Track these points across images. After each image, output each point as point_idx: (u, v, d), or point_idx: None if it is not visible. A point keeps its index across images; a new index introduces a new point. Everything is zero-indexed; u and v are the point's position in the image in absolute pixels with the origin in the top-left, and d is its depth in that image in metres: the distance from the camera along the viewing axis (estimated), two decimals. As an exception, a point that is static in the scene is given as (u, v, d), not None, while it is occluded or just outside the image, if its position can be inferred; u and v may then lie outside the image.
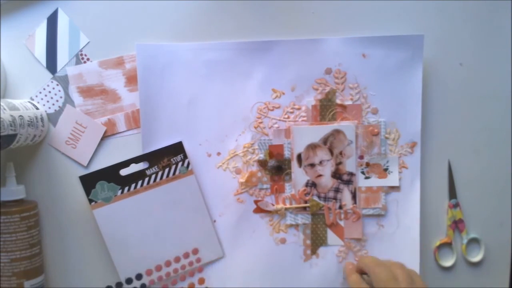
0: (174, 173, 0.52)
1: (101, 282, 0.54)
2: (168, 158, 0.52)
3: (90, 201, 0.52)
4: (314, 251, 0.54)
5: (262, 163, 0.53)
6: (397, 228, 0.54)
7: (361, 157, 0.53)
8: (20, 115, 0.48)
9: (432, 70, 0.53)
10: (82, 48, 0.53)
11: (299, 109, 0.53)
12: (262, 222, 0.54)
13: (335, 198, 0.54)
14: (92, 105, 0.53)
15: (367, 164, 0.53)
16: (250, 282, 0.54)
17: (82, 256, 0.54)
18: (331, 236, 0.54)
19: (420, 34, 0.51)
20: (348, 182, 0.53)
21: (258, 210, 0.54)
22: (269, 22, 0.52)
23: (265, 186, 0.53)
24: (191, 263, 0.54)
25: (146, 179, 0.52)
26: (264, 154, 0.53)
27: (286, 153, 0.53)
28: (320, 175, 0.53)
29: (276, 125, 0.53)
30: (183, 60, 0.52)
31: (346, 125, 0.53)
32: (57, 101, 0.53)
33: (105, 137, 0.53)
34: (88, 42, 0.53)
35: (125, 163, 0.52)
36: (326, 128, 0.53)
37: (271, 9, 0.52)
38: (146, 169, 0.52)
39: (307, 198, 0.53)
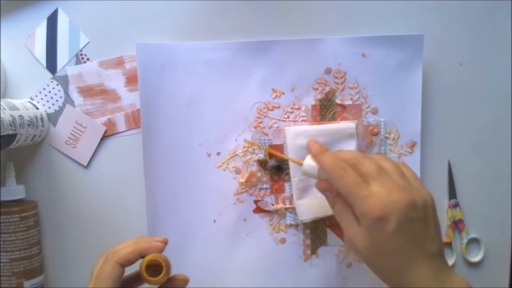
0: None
1: (101, 282, 0.54)
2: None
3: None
4: (314, 251, 0.54)
5: (262, 163, 0.53)
6: (397, 228, 0.54)
7: (361, 157, 0.53)
8: (20, 115, 0.48)
9: (432, 70, 0.53)
10: (82, 48, 0.53)
11: (299, 109, 0.53)
12: (262, 222, 0.54)
13: (335, 198, 0.53)
14: (92, 105, 0.53)
15: (367, 164, 0.53)
16: (250, 282, 0.54)
17: (82, 256, 0.54)
18: (331, 236, 0.54)
19: (420, 34, 0.51)
20: (348, 182, 0.53)
21: (258, 210, 0.53)
22: (269, 22, 0.52)
23: (265, 186, 0.53)
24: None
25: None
26: (264, 154, 0.53)
27: (286, 153, 0.53)
28: (320, 175, 0.53)
29: (276, 125, 0.53)
30: (183, 60, 0.52)
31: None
32: (57, 101, 0.53)
33: (105, 137, 0.53)
34: (88, 42, 0.53)
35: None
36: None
37: (271, 9, 0.52)
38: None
39: (307, 198, 0.53)
